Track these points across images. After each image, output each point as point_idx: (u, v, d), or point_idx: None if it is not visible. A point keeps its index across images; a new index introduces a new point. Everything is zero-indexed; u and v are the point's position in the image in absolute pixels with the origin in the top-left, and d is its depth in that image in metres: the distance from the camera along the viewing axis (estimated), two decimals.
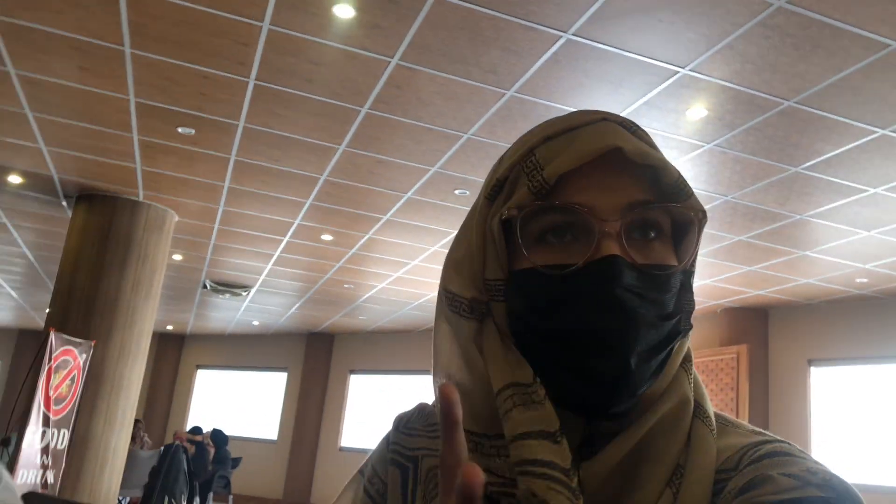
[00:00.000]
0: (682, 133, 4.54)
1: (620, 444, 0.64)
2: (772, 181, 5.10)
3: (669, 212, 0.66)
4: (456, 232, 0.74)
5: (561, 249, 0.65)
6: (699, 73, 3.85)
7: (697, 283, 5.19)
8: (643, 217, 0.65)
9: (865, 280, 7.22)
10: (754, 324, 8.90)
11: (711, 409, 0.70)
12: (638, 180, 0.65)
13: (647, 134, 0.68)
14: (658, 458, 0.65)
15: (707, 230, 5.98)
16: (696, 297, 0.71)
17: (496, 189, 0.69)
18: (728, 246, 6.60)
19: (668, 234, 0.67)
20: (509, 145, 0.74)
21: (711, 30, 3.49)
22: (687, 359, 0.69)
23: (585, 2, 3.37)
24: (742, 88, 3.95)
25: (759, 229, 6.12)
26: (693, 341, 0.70)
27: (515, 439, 0.61)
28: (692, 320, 0.68)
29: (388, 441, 0.81)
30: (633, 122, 0.69)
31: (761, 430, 0.69)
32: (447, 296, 0.71)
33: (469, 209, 0.73)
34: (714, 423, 0.68)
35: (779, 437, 0.66)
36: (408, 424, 0.80)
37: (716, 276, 7.55)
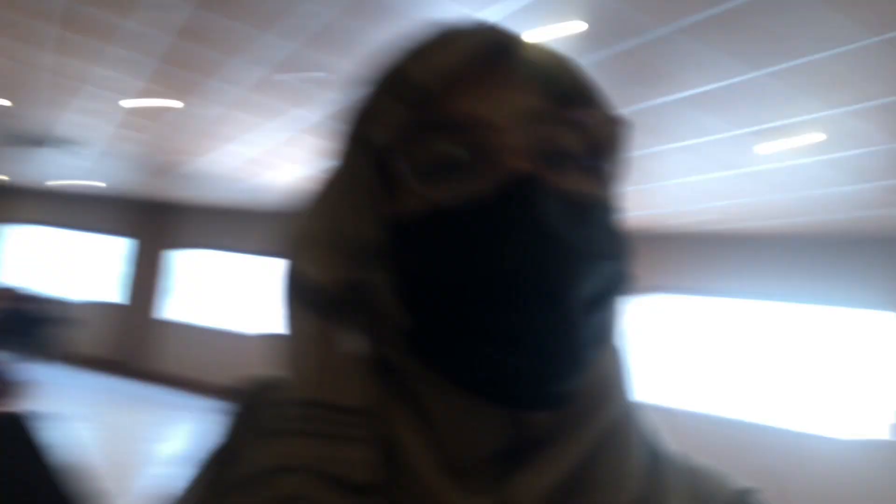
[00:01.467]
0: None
1: (558, 456, 0.48)
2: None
3: (583, 126, 0.52)
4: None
5: (453, 181, 0.49)
6: None
7: None
8: (552, 135, 0.50)
9: (692, 220, 7.67)
10: None
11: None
12: (536, 86, 0.51)
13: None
14: (611, 483, 0.49)
15: None
16: None
17: (360, 126, 0.53)
18: None
19: (582, 158, 0.53)
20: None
21: None
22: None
23: None
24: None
25: None
26: None
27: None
28: None
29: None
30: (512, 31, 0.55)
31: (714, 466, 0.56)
32: (298, 285, 0.53)
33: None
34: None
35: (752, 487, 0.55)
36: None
37: None
